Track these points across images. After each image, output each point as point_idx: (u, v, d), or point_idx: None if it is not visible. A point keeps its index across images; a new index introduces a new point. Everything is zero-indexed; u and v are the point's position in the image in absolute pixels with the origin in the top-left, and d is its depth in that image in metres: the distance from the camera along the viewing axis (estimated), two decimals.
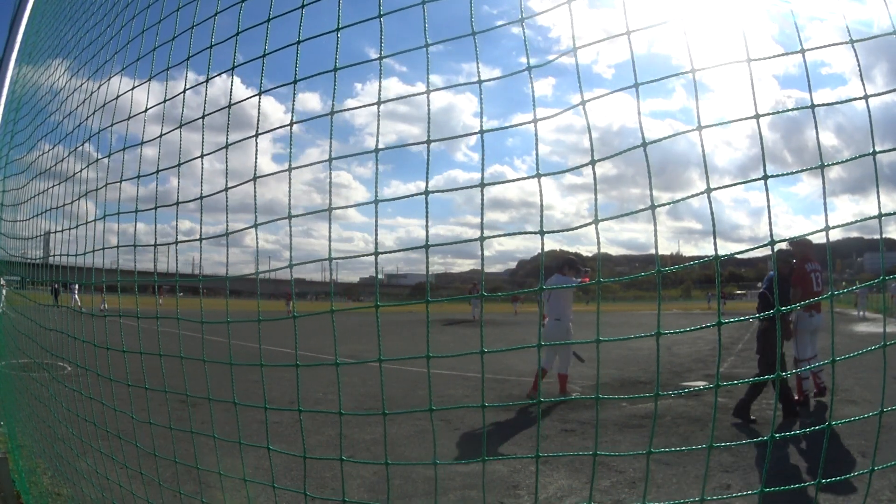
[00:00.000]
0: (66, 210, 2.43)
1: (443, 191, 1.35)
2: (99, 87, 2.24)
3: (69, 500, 3.02)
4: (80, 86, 2.54)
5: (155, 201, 1.84)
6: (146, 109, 1.93)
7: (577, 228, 1.23)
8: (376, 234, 1.42)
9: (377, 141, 1.35)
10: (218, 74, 1.73)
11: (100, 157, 2.24)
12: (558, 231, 1.27)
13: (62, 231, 2.44)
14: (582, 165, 1.19)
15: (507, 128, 1.28)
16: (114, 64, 2.19)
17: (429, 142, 1.31)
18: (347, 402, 6.55)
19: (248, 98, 1.64)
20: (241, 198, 1.68)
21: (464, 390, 7.33)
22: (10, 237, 3.57)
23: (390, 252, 1.47)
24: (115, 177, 2.05)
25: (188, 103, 1.79)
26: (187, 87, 1.80)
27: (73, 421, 2.64)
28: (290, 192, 1.52)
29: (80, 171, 2.33)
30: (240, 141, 1.60)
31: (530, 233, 1.26)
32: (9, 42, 2.97)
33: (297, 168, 1.54)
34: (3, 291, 3.96)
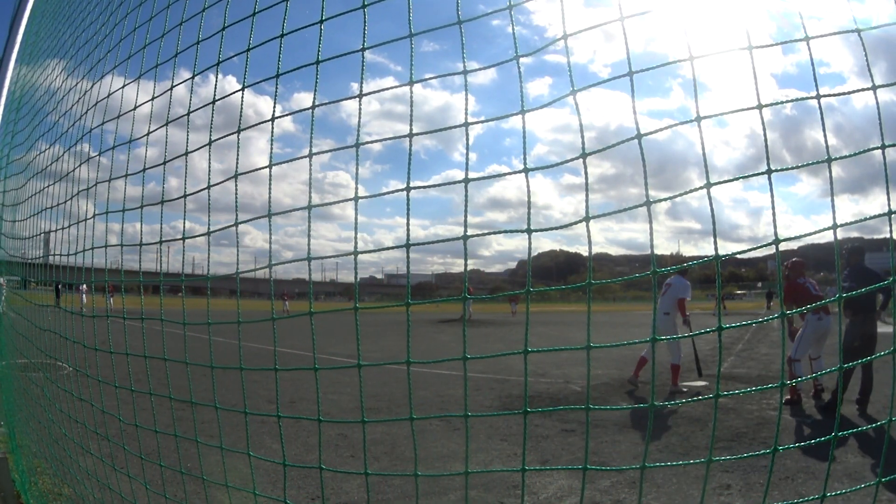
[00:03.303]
0: (63, 209, 2.43)
1: (423, 186, 1.34)
2: (105, 90, 2.23)
3: (70, 501, 3.01)
4: (76, 85, 2.54)
5: (141, 200, 1.84)
6: (135, 107, 1.92)
7: (567, 226, 1.21)
8: (356, 234, 1.40)
9: (357, 135, 1.33)
10: (210, 68, 1.72)
11: (93, 154, 2.23)
12: (547, 229, 1.25)
13: (59, 230, 2.44)
14: (573, 159, 1.17)
15: (487, 121, 1.25)
16: (107, 63, 2.19)
17: (410, 135, 1.30)
18: (347, 401, 6.54)
19: (233, 92, 1.64)
20: (239, 197, 1.67)
21: (463, 390, 7.32)
22: (9, 237, 3.57)
23: (369, 252, 1.45)
24: (114, 175, 2.05)
25: (183, 101, 1.79)
26: (179, 83, 1.80)
27: (71, 422, 2.64)
28: (269, 188, 1.51)
29: (75, 169, 2.32)
30: (224, 136, 1.59)
31: (517, 231, 1.24)
32: (9, 42, 2.96)
33: (277, 164, 1.53)
34: (4, 291, 3.96)
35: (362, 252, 1.40)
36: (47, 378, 2.88)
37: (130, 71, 2.04)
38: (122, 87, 1.99)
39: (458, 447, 4.71)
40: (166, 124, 1.77)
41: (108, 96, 2.07)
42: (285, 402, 6.33)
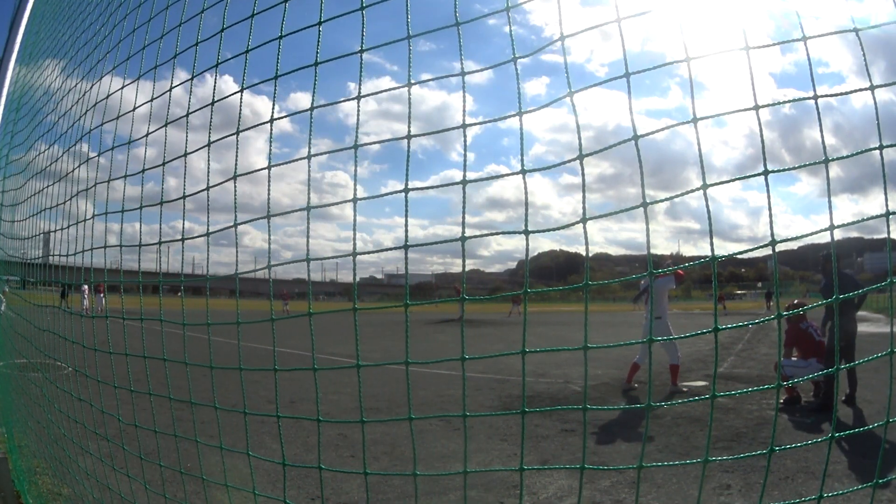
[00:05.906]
0: (62, 209, 2.43)
1: (421, 188, 1.35)
2: (104, 91, 2.24)
3: (69, 501, 3.01)
4: (75, 85, 2.54)
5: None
6: (134, 108, 1.93)
7: (564, 227, 1.22)
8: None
9: (356, 137, 1.34)
10: (209, 69, 1.72)
11: (92, 155, 2.24)
12: (544, 231, 1.26)
13: (59, 230, 2.45)
14: (570, 160, 1.18)
15: (485, 122, 1.26)
16: (106, 63, 2.20)
17: (409, 137, 1.31)
18: (347, 401, 6.54)
19: (232, 94, 1.64)
20: (238, 198, 1.67)
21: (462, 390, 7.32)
22: (9, 237, 3.57)
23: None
24: (112, 175, 2.05)
25: (181, 102, 1.79)
26: (177, 84, 1.81)
27: (70, 422, 2.64)
28: (269, 189, 1.52)
29: (74, 170, 2.33)
30: (224, 137, 1.59)
31: (514, 232, 1.24)
32: (9, 42, 2.97)
33: (276, 165, 1.54)
34: (3, 291, 3.96)
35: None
36: (46, 378, 2.88)
37: (129, 72, 2.04)
38: (122, 87, 2.00)
39: (458, 447, 4.71)
40: (165, 125, 1.77)
41: (107, 97, 2.08)
42: (285, 403, 6.33)
